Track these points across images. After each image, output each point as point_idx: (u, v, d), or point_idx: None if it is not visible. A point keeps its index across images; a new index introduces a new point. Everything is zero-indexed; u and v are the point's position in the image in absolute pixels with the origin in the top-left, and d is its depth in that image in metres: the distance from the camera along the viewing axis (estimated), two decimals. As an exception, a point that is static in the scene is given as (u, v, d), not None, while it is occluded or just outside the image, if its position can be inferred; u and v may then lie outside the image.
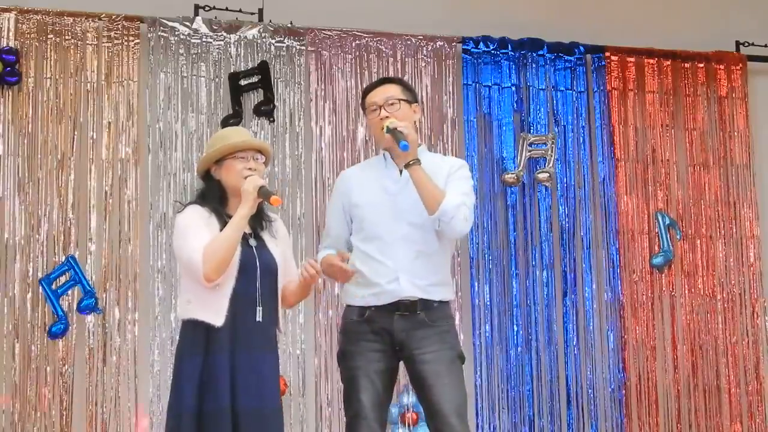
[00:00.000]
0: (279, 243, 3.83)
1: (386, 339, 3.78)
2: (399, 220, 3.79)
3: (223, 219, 3.70)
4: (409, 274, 3.77)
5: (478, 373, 5.70)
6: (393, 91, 3.92)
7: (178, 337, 3.79)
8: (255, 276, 3.68)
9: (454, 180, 3.83)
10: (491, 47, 6.02)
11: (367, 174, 3.98)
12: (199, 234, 3.64)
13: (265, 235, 3.80)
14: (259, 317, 3.67)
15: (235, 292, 3.64)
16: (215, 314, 3.62)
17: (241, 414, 3.57)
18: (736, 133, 6.34)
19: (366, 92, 4.02)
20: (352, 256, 3.86)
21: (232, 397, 3.57)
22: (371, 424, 3.74)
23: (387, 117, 3.85)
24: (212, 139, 3.93)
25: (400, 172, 3.86)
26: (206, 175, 3.83)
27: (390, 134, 3.79)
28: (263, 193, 3.68)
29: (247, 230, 3.75)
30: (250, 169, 3.73)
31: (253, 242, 3.74)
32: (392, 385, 3.87)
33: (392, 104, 3.88)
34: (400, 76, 5.82)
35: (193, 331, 3.65)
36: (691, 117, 6.30)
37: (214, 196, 3.76)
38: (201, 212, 3.72)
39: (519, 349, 5.82)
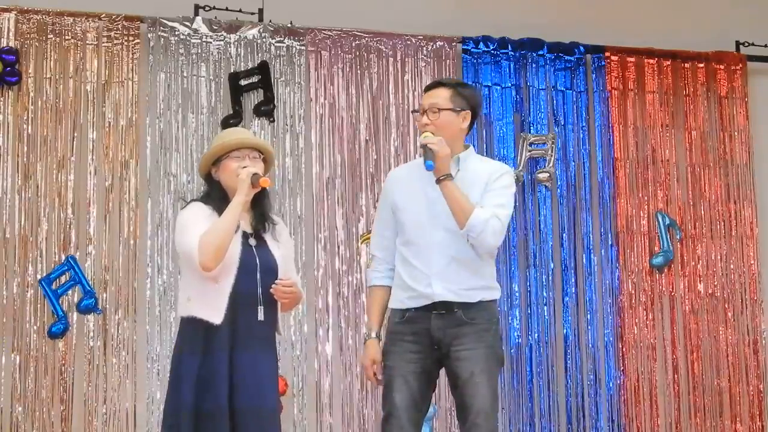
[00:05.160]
0: (281, 246, 3.83)
1: (425, 340, 3.79)
2: (435, 226, 3.78)
3: None
4: (442, 280, 3.77)
5: (478, 373, 5.70)
6: (441, 96, 3.85)
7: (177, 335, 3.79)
8: (255, 275, 3.68)
9: (492, 189, 3.80)
10: (491, 47, 6.02)
11: (412, 176, 3.94)
12: (197, 226, 3.64)
13: (267, 237, 3.80)
14: (261, 316, 3.68)
15: (235, 290, 3.64)
16: (214, 312, 3.61)
17: (239, 413, 3.57)
18: (736, 133, 6.34)
19: (424, 91, 4.00)
20: (395, 258, 3.91)
21: (231, 396, 3.57)
22: (402, 424, 3.75)
23: (426, 125, 3.81)
24: (213, 141, 3.94)
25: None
26: (208, 177, 3.84)
27: (422, 149, 3.76)
28: (254, 180, 3.67)
29: (248, 230, 3.76)
30: (245, 167, 3.72)
31: (252, 242, 3.74)
32: (430, 387, 3.87)
33: (434, 112, 3.83)
34: (400, 76, 5.84)
35: (192, 328, 3.65)
36: (691, 117, 6.30)
37: (216, 196, 3.77)
38: (203, 209, 3.73)
39: (519, 348, 5.82)
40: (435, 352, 3.80)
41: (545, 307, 5.88)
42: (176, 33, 5.54)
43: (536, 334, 5.85)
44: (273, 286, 3.67)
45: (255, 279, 3.68)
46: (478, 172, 3.84)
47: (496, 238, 3.74)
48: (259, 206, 3.80)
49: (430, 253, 3.79)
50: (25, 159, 5.28)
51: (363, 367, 3.96)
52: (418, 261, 3.80)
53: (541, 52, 6.09)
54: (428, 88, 3.96)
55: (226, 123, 5.45)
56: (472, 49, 5.99)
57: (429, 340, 3.79)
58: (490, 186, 3.80)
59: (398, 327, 3.84)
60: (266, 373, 3.69)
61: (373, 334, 3.92)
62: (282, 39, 5.71)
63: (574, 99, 6.13)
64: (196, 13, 5.59)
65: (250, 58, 5.64)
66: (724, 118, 6.34)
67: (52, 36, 5.38)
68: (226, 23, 5.62)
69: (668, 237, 6.10)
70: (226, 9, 5.62)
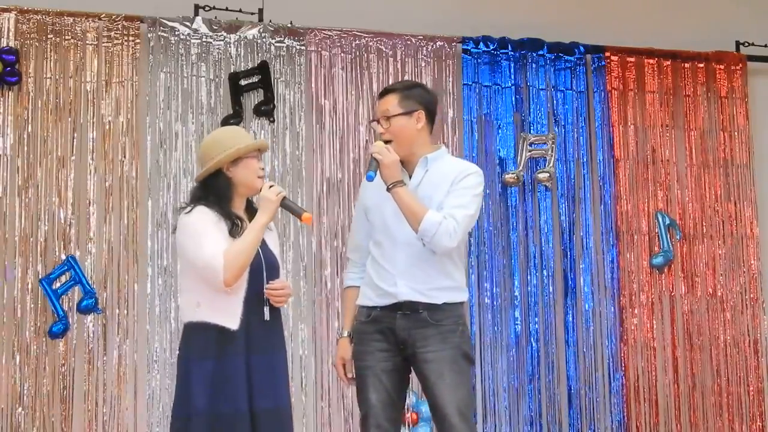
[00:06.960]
0: (273, 236, 3.87)
1: (391, 338, 3.81)
2: (401, 226, 3.78)
3: (232, 220, 3.70)
4: (407, 279, 3.78)
5: (478, 373, 5.71)
6: (390, 103, 3.86)
7: (180, 339, 3.77)
8: (262, 276, 3.70)
9: (454, 189, 3.80)
10: (491, 47, 6.02)
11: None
12: (212, 238, 3.62)
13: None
14: (266, 316, 3.69)
15: (247, 294, 3.66)
16: (230, 318, 3.62)
17: (259, 415, 3.60)
18: (736, 133, 6.35)
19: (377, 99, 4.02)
20: (368, 259, 3.94)
21: (249, 399, 3.59)
22: (380, 423, 3.79)
23: (382, 134, 3.85)
24: (221, 140, 3.77)
25: (410, 177, 3.86)
26: (213, 175, 3.75)
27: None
28: (289, 207, 3.74)
29: None
30: (262, 168, 3.79)
31: None
32: (403, 383, 3.89)
33: (386, 119, 3.85)
34: (400, 76, 5.83)
35: (204, 334, 3.63)
36: (691, 117, 6.30)
37: (221, 195, 3.73)
38: (209, 214, 3.69)
39: (519, 348, 5.82)
40: (401, 350, 3.81)
41: (545, 307, 5.88)
42: (176, 33, 5.54)
43: (536, 334, 5.85)
44: (265, 289, 3.69)
45: (261, 280, 3.70)
46: (446, 173, 3.83)
47: (451, 239, 3.71)
48: (251, 205, 3.82)
49: (396, 253, 3.81)
50: (25, 159, 5.28)
51: (334, 366, 4.03)
52: (384, 260, 3.83)
53: (541, 52, 6.09)
54: (379, 97, 3.97)
55: (226, 123, 5.44)
56: (472, 49, 5.99)
57: (394, 338, 3.81)
58: (453, 186, 3.80)
59: (364, 326, 3.87)
60: (281, 372, 3.74)
61: (345, 333, 3.97)
62: (282, 39, 5.71)
63: (574, 99, 6.13)
64: (196, 13, 5.59)
65: (250, 58, 5.64)
66: (724, 118, 6.34)
67: (52, 36, 5.37)
68: (226, 23, 5.62)
69: (668, 237, 6.10)
70: (226, 9, 5.63)
